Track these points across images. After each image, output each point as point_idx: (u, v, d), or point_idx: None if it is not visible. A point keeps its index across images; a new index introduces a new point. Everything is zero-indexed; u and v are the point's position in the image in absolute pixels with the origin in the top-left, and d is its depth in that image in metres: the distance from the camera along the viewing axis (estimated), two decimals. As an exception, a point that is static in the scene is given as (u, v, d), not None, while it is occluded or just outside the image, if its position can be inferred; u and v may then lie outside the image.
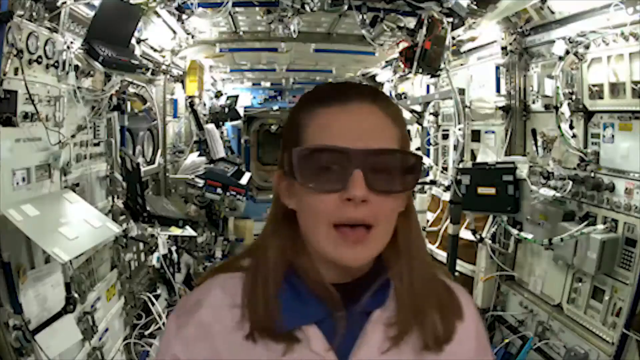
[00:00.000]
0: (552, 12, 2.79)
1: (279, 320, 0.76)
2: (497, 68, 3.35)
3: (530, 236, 2.87)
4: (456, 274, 3.44)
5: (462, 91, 3.45)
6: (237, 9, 3.40)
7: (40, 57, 2.00)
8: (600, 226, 2.47)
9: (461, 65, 3.95)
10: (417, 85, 4.92)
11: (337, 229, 0.73)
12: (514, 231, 3.04)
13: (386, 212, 0.75)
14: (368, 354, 0.76)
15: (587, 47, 2.52)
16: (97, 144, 2.78)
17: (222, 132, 6.22)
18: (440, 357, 0.79)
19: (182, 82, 4.80)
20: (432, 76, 3.35)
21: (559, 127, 2.67)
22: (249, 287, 0.80)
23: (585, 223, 2.54)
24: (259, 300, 0.78)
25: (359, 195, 0.70)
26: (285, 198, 0.81)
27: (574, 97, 2.63)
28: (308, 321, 0.77)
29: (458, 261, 3.48)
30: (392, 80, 5.53)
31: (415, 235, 0.84)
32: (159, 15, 3.17)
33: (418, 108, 4.16)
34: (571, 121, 2.66)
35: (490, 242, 3.36)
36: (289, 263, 0.80)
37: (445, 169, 4.18)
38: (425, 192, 4.47)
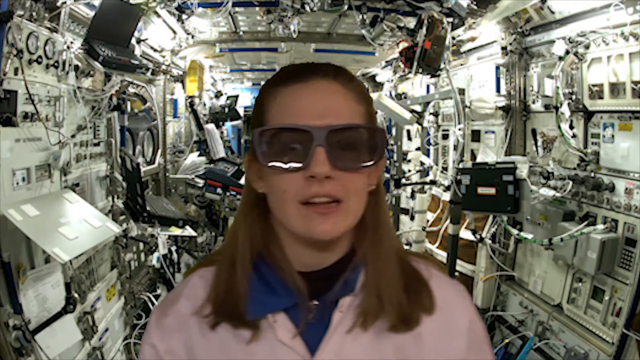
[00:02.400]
0: (552, 12, 2.79)
1: (245, 308, 0.76)
2: (497, 68, 3.35)
3: (530, 236, 2.87)
4: (456, 274, 3.44)
5: (462, 91, 3.45)
6: (237, 9, 3.40)
7: (40, 57, 2.00)
8: (600, 226, 2.47)
9: (461, 65, 3.94)
10: (417, 85, 4.92)
11: (305, 206, 0.72)
12: (514, 231, 3.04)
13: (355, 187, 0.74)
14: (338, 342, 0.76)
15: (587, 47, 2.52)
16: (97, 144, 2.78)
17: (222, 132, 6.22)
18: (417, 343, 0.78)
19: (182, 82, 4.80)
20: (432, 76, 3.35)
21: (559, 127, 2.67)
22: (217, 278, 0.81)
23: (585, 223, 2.54)
24: (225, 288, 0.78)
25: (320, 171, 0.70)
26: (255, 182, 0.81)
27: (574, 97, 2.63)
28: (274, 309, 0.77)
29: (458, 261, 3.48)
30: (392, 80, 5.53)
31: (383, 217, 0.83)
32: (159, 15, 3.16)
33: (418, 108, 4.16)
34: (571, 121, 2.66)
35: (490, 242, 3.36)
36: (258, 251, 0.80)
37: (445, 169, 4.18)
38: (425, 192, 4.47)
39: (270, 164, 0.73)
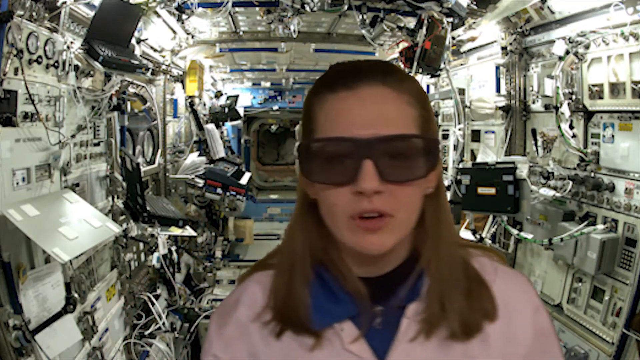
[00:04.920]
0: (552, 12, 2.78)
1: (310, 317, 0.74)
2: (497, 68, 3.35)
3: (530, 236, 2.87)
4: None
5: (462, 91, 3.46)
6: (237, 9, 3.40)
7: (40, 57, 2.00)
8: (600, 226, 2.47)
9: (461, 65, 3.94)
10: (417, 85, 4.91)
11: (354, 220, 0.69)
12: (514, 231, 3.03)
13: (406, 200, 0.70)
14: (405, 350, 0.73)
15: (587, 47, 2.52)
16: (97, 144, 2.78)
17: (222, 132, 6.22)
18: (483, 346, 0.74)
19: (182, 82, 4.79)
20: (432, 76, 3.35)
21: (559, 127, 2.67)
22: (276, 284, 0.79)
23: (585, 223, 2.54)
24: (286, 295, 0.76)
25: (369, 187, 0.66)
26: (307, 187, 0.77)
27: (574, 97, 2.63)
28: (340, 318, 0.74)
29: (458, 261, 3.48)
30: (392, 80, 5.53)
31: (444, 219, 0.78)
32: (159, 15, 3.17)
33: (418, 108, 4.15)
34: (571, 121, 2.66)
35: (490, 242, 3.36)
36: (317, 256, 0.78)
37: (445, 169, 4.18)
38: (425, 192, 4.46)
39: (317, 178, 0.70)
